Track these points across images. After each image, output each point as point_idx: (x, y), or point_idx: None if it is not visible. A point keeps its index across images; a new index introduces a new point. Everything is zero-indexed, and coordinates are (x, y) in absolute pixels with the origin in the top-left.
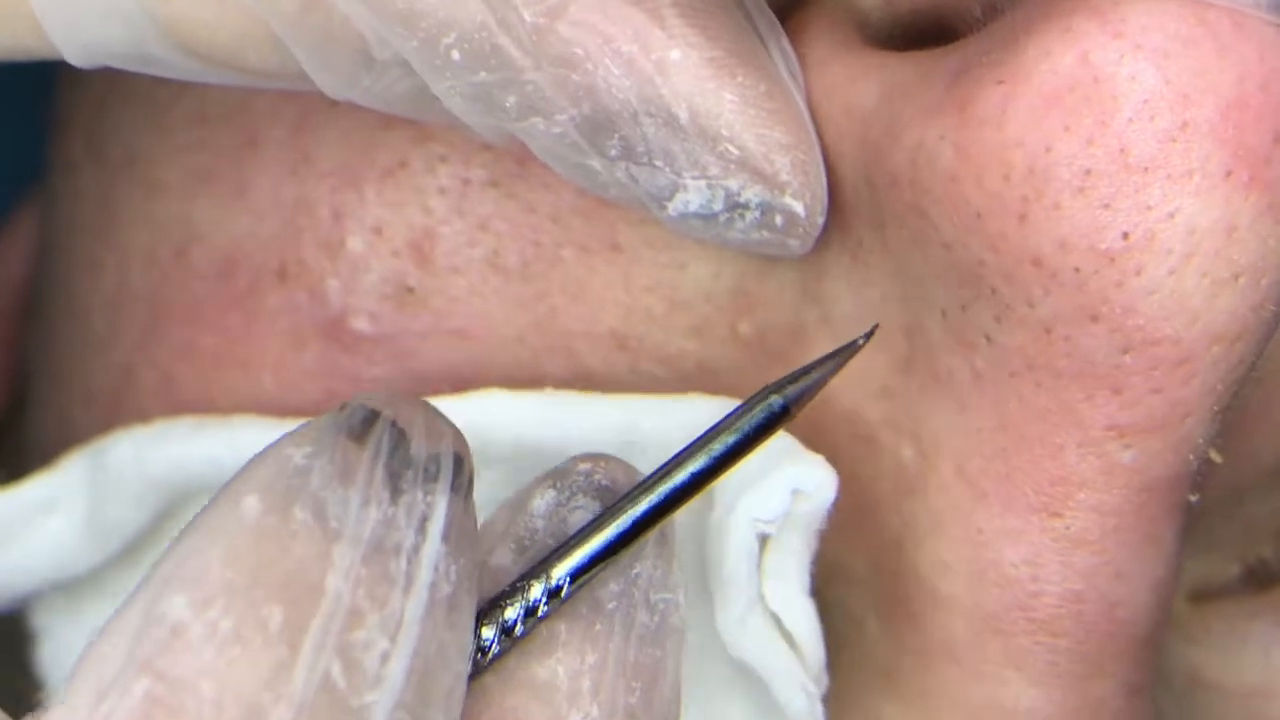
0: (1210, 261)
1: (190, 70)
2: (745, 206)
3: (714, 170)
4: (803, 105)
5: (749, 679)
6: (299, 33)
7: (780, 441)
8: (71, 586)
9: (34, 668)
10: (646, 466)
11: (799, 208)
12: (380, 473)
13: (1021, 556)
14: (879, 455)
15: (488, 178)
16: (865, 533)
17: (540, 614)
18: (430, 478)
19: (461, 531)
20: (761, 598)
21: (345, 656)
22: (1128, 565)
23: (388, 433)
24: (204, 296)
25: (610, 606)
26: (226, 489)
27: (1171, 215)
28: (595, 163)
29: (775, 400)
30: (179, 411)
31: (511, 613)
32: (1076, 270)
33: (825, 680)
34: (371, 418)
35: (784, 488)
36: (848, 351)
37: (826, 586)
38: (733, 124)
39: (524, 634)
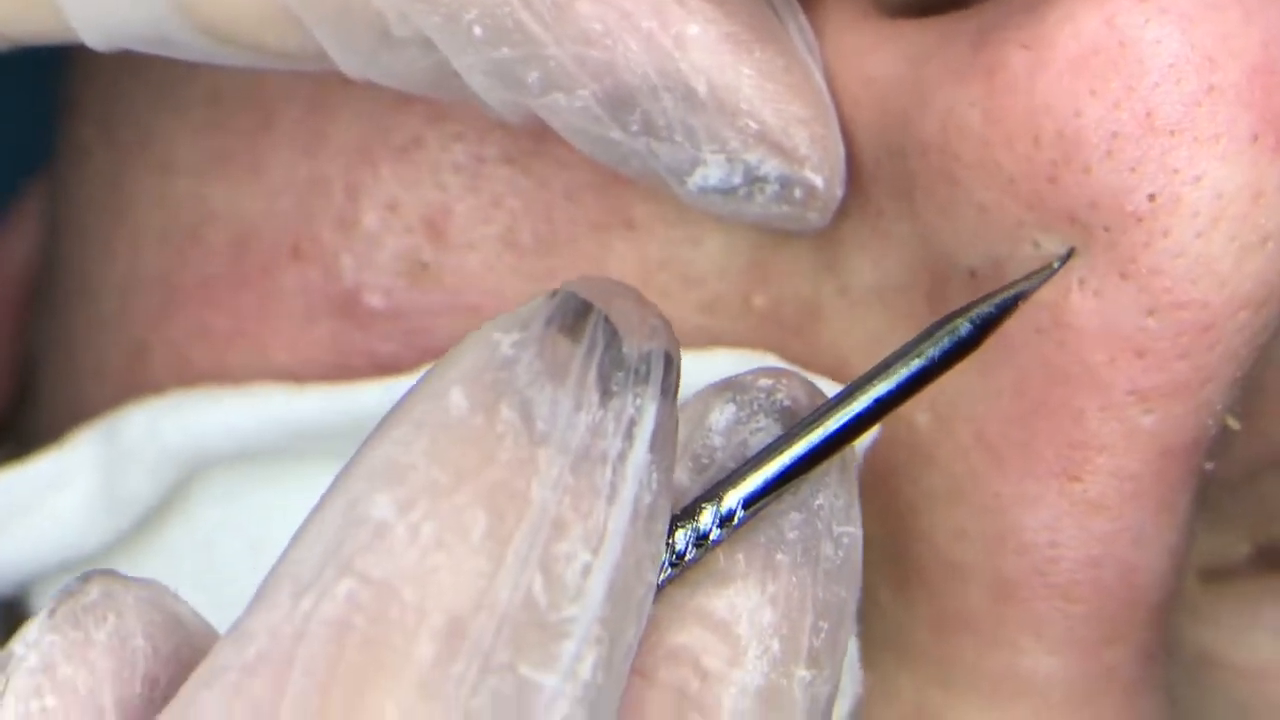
0: (1237, 226)
1: (210, 52)
2: (764, 180)
3: (733, 145)
4: (820, 80)
5: None
6: (318, 11)
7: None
8: (80, 568)
9: None
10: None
11: (818, 180)
12: (592, 373)
13: (1040, 522)
14: (895, 422)
15: (502, 155)
16: (880, 502)
17: (712, 540)
18: (641, 379)
19: (666, 437)
20: None
21: (547, 570)
22: (1145, 531)
23: (601, 329)
24: (218, 275)
25: (792, 536)
26: (431, 376)
27: (1198, 179)
28: (617, 137)
29: (962, 325)
30: (192, 387)
31: (681, 536)
32: (1106, 229)
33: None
34: (584, 310)
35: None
36: (1041, 274)
37: None
38: (751, 98)
39: (694, 560)
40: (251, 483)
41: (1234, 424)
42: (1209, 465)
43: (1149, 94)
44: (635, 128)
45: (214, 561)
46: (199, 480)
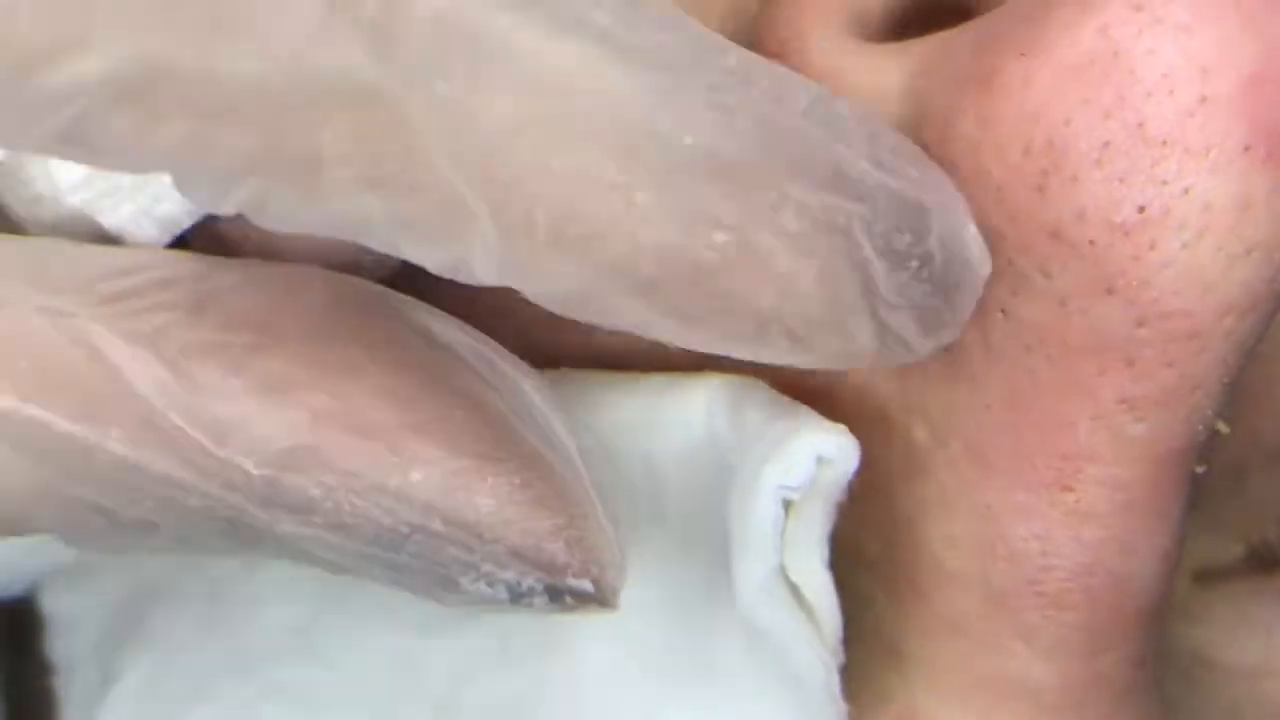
0: (1224, 237)
1: None
2: (531, 592)
3: (487, 568)
4: (575, 468)
5: (766, 648)
6: None
7: (801, 410)
8: (83, 570)
9: (44, 652)
10: (665, 446)
11: (584, 585)
12: None
13: (1031, 531)
14: (890, 434)
15: None
16: (876, 512)
17: None
18: None
19: None
20: (782, 567)
21: None
22: (1136, 538)
23: None
24: None
25: None
26: None
27: (1187, 190)
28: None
29: None
30: None
31: None
32: (1092, 243)
33: (841, 654)
34: None
35: (809, 454)
36: None
37: (836, 566)
38: (493, 526)
39: None
40: None
41: (1224, 428)
42: (1199, 469)
43: (1141, 104)
44: (407, 557)
45: (209, 575)
46: None
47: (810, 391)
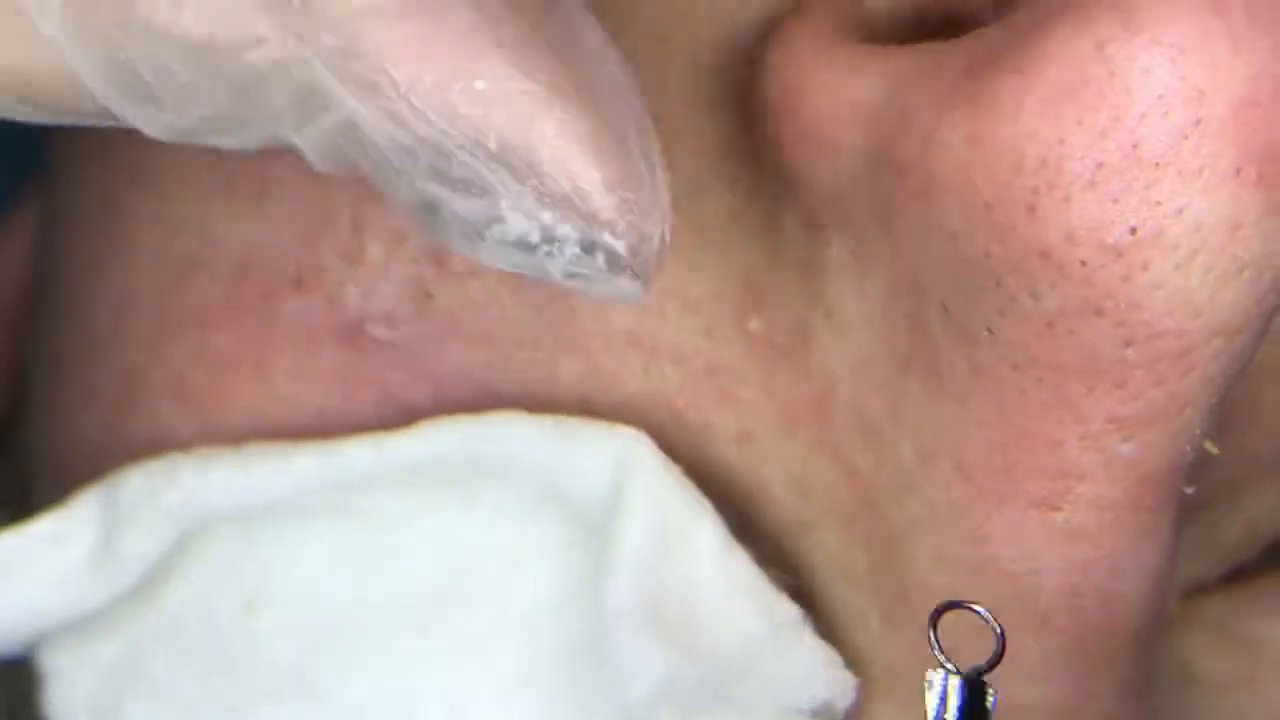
0: (1215, 257)
1: (28, 114)
2: (563, 241)
3: (528, 203)
4: (640, 146)
5: None
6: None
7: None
8: (81, 626)
9: (43, 712)
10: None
11: (620, 247)
12: None
13: (1020, 551)
14: (880, 449)
15: None
16: (866, 528)
17: None
18: None
19: None
20: None
21: None
22: (1125, 558)
23: None
24: (217, 301)
25: None
26: None
27: (1180, 211)
28: (420, 186)
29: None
30: (189, 410)
31: None
32: (1083, 264)
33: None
34: None
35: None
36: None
37: (829, 586)
38: (548, 158)
39: None
40: (248, 541)
41: (1212, 448)
42: (1189, 490)
43: (1136, 125)
44: (425, 177)
45: (210, 620)
46: (197, 539)
47: (801, 406)
